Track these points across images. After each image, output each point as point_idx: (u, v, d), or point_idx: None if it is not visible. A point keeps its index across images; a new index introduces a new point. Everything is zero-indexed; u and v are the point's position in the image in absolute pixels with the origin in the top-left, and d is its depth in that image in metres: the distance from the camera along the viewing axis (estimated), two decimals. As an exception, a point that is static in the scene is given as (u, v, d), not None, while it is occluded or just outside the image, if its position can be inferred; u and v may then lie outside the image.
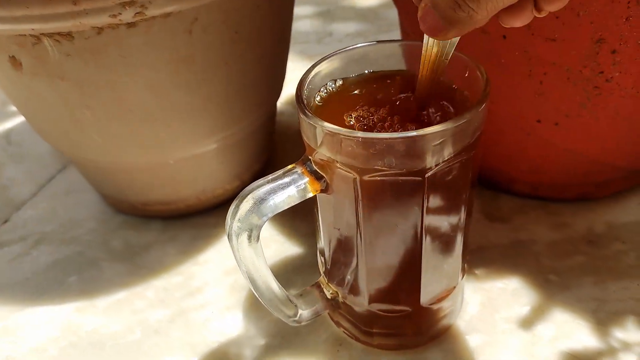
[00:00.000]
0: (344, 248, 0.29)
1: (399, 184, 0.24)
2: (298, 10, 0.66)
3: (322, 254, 0.31)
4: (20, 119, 0.56)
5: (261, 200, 0.24)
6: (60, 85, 0.31)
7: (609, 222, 0.38)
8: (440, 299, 0.30)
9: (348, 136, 0.23)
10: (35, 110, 0.35)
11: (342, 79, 0.29)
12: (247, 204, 0.24)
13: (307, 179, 0.25)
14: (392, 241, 0.27)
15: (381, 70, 0.30)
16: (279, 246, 0.39)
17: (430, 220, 0.26)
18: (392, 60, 0.30)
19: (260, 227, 0.25)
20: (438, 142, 0.23)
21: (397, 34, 0.67)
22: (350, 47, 0.29)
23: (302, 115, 0.25)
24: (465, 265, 0.32)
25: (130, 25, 0.29)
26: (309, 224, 0.41)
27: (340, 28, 0.69)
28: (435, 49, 0.24)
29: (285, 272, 0.38)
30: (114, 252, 0.40)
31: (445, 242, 0.28)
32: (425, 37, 0.24)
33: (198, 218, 0.42)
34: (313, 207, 0.29)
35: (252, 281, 0.26)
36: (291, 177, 0.25)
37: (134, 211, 0.42)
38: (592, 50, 0.30)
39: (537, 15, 0.22)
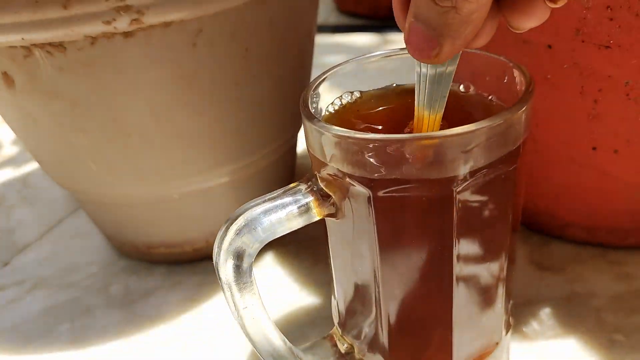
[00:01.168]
0: (359, 291, 0.24)
1: (422, 202, 0.19)
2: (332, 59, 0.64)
3: (336, 299, 0.26)
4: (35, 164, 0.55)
5: (254, 221, 0.20)
6: (53, 105, 0.29)
7: (684, 273, 0.32)
8: (478, 359, 0.25)
9: (359, 139, 0.19)
10: (30, 135, 0.32)
11: (360, 91, 0.25)
12: (237, 225, 0.20)
13: (311, 198, 0.21)
14: (415, 281, 0.22)
15: (406, 83, 0.26)
16: (294, 295, 0.35)
17: (463, 254, 0.21)
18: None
19: (253, 255, 0.21)
20: (469, 147, 0.18)
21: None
22: (368, 55, 0.25)
23: (306, 122, 0.21)
24: (510, 319, 0.26)
25: (126, 34, 0.26)
26: (328, 272, 0.36)
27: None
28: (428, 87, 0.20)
29: (299, 326, 0.32)
30: (111, 299, 0.36)
31: (482, 286, 0.23)
32: (416, 75, 0.20)
33: (206, 263, 0.38)
34: (327, 249, 0.25)
35: (242, 325, 0.22)
36: (293, 197, 0.21)
37: (138, 255, 0.38)
38: (656, 58, 0.25)
39: (553, 6, 0.18)
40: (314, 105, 0.23)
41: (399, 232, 0.21)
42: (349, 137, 0.19)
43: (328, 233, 0.24)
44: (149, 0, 0.25)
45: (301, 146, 0.45)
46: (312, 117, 0.21)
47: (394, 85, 0.26)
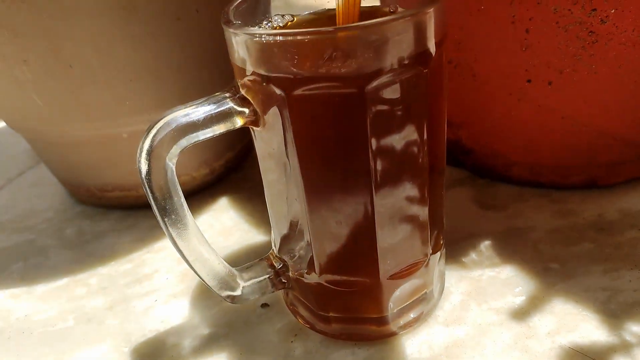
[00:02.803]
0: (286, 206, 0.24)
1: (335, 101, 0.20)
2: None
3: (271, 221, 0.27)
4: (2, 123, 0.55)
5: (176, 123, 0.21)
6: (-5, 35, 0.29)
7: (623, 209, 0.33)
8: (405, 274, 0.25)
9: (270, 35, 0.19)
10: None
11: (292, 14, 0.26)
12: (158, 126, 0.21)
13: (232, 104, 0.22)
14: (338, 192, 0.23)
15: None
16: (242, 234, 0.35)
17: (380, 162, 0.22)
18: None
19: (174, 155, 0.21)
20: (376, 41, 0.19)
21: None
22: (299, -22, 0.26)
23: (225, 28, 0.21)
24: (441, 240, 0.27)
25: (62, -41, 0.26)
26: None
27: None
28: None
29: (246, 261, 0.33)
30: (65, 241, 0.37)
31: (403, 195, 0.23)
32: None
33: (160, 207, 0.38)
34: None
35: (170, 237, 0.22)
36: (215, 103, 0.22)
37: (93, 199, 0.39)
38: (580, -19, 0.26)
39: None
40: (236, 19, 0.23)
41: (316, 137, 0.21)
42: (260, 34, 0.20)
43: (255, 148, 0.24)
44: None
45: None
46: (229, 22, 0.21)
47: (326, 9, 0.26)
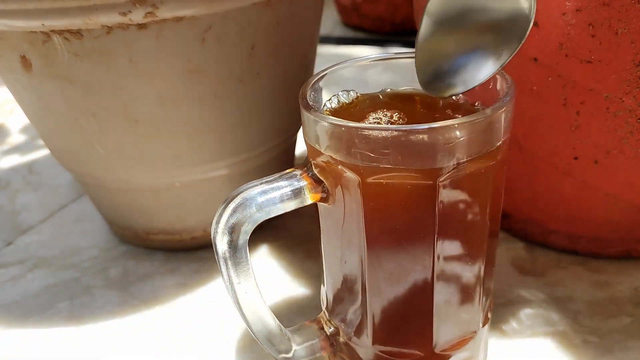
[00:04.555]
0: (346, 276, 0.25)
1: (407, 189, 0.21)
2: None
3: (325, 285, 0.28)
4: (45, 151, 0.56)
5: (252, 199, 0.22)
6: (67, 89, 0.30)
7: (659, 283, 0.34)
8: (456, 346, 0.26)
9: (351, 128, 0.21)
10: (43, 117, 0.34)
11: (356, 92, 0.27)
12: (234, 203, 0.22)
13: (305, 183, 0.23)
14: (399, 270, 0.24)
15: (399, 88, 0.28)
16: (285, 286, 0.36)
17: (444, 245, 0.23)
18: (413, 75, 0.28)
19: (248, 232, 0.22)
20: (452, 139, 0.20)
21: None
22: (368, 57, 0.27)
23: (303, 111, 0.23)
24: (489, 313, 0.28)
25: (140, 26, 0.28)
26: (319, 265, 0.37)
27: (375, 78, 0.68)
28: None
29: (289, 314, 0.34)
30: (110, 281, 0.38)
31: (462, 275, 0.24)
32: None
33: (203, 252, 0.40)
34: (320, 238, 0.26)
35: (236, 301, 0.23)
36: (288, 181, 0.23)
37: (137, 240, 0.40)
38: (633, 73, 0.27)
39: None
40: (311, 99, 0.24)
41: (385, 218, 0.22)
42: (341, 125, 0.21)
43: (320, 219, 0.25)
44: (163, -5, 0.27)
45: (300, 147, 0.46)
46: (309, 107, 0.22)
47: (388, 90, 0.28)
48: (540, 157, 0.32)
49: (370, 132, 0.20)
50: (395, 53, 0.27)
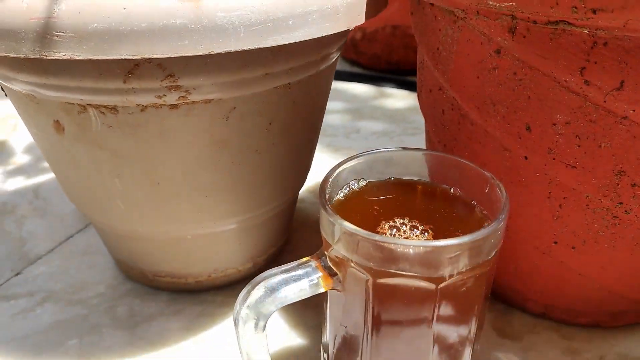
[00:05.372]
0: (348, 346, 0.28)
1: (412, 291, 0.24)
2: (329, 105, 0.69)
3: (326, 349, 0.31)
4: (50, 175, 0.58)
5: (273, 290, 0.25)
6: (97, 153, 0.33)
7: (622, 354, 0.37)
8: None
9: (365, 238, 0.24)
10: (68, 173, 0.36)
11: (365, 180, 0.30)
12: (258, 291, 0.25)
13: (320, 274, 0.26)
14: (399, 347, 0.27)
15: (403, 177, 0.31)
16: (284, 336, 0.39)
17: (440, 329, 0.26)
18: (415, 167, 0.31)
19: (268, 317, 0.25)
20: (454, 254, 0.23)
21: (422, 138, 0.69)
22: (376, 150, 0.30)
23: (322, 211, 0.25)
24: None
25: (172, 106, 0.30)
26: (317, 316, 0.40)
27: (368, 126, 0.71)
28: None
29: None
30: (117, 320, 0.40)
31: (453, 354, 0.27)
32: None
33: (206, 295, 0.42)
34: (322, 300, 0.29)
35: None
36: (305, 270, 0.26)
37: (143, 280, 0.42)
38: (612, 180, 0.30)
39: None
40: (328, 193, 0.27)
41: (390, 310, 0.25)
42: (357, 234, 0.24)
43: (328, 296, 0.28)
44: (196, 82, 0.30)
45: (300, 203, 0.49)
46: (327, 209, 0.25)
47: (392, 178, 0.31)
48: (524, 237, 0.36)
49: (383, 242, 0.23)
50: (402, 148, 0.30)
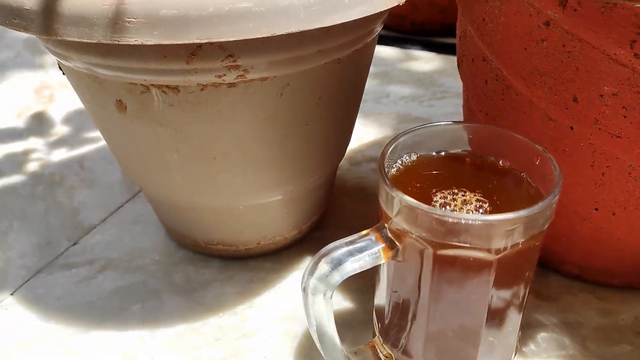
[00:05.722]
0: (403, 311, 0.30)
1: (470, 261, 0.26)
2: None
3: (379, 314, 0.33)
4: (92, 146, 0.60)
5: (339, 263, 0.26)
6: (157, 130, 0.34)
7: (656, 313, 0.39)
8: (491, 372, 0.31)
9: (427, 212, 0.25)
10: (126, 147, 0.38)
11: (417, 154, 0.31)
12: (325, 265, 0.26)
13: (381, 246, 0.27)
14: (454, 314, 0.29)
15: (453, 150, 0.32)
16: (339, 308, 0.41)
17: (495, 295, 0.28)
18: (464, 140, 0.32)
19: (334, 287, 0.27)
20: (510, 227, 0.25)
21: (450, 102, 0.70)
22: (428, 125, 0.31)
23: (383, 184, 0.27)
24: (518, 344, 0.33)
25: (230, 85, 0.32)
26: (361, 280, 0.42)
27: (396, 90, 0.72)
28: None
29: (345, 335, 0.39)
30: (175, 286, 0.42)
31: (505, 319, 0.29)
32: None
33: (255, 261, 0.44)
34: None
35: (321, 335, 0.28)
36: (366, 242, 0.27)
37: (196, 248, 0.45)
38: (656, 150, 0.31)
39: None
40: (386, 167, 0.29)
41: (449, 278, 0.27)
42: (418, 209, 0.25)
43: (385, 265, 0.30)
44: (254, 61, 0.31)
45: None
46: (387, 183, 0.27)
47: (443, 152, 0.32)
48: (564, 204, 0.37)
49: (444, 216, 0.25)
50: (452, 122, 0.32)
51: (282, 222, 0.43)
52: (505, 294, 0.28)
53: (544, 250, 0.42)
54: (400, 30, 0.86)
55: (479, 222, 0.24)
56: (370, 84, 0.74)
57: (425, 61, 0.80)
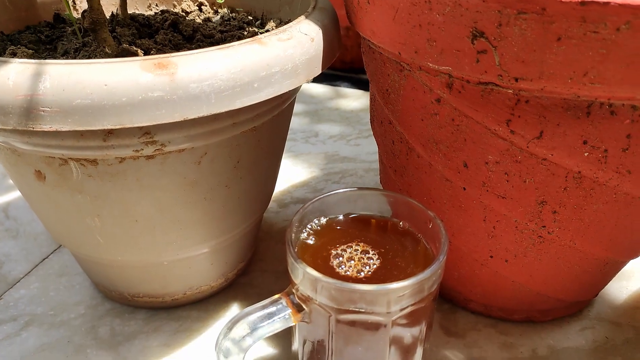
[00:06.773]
0: (316, 353, 0.33)
1: (369, 324, 0.29)
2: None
3: (296, 357, 0.35)
4: (17, 193, 0.60)
5: (253, 328, 0.29)
6: (77, 197, 0.35)
7: (551, 345, 0.43)
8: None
9: (327, 283, 0.28)
10: (48, 212, 0.38)
11: (326, 217, 0.34)
12: (239, 330, 0.29)
13: (290, 310, 0.30)
14: (359, 354, 0.31)
15: (359, 213, 0.35)
16: (254, 345, 0.43)
17: (394, 339, 0.30)
18: (372, 203, 0.35)
19: (247, 351, 0.29)
20: (402, 294, 0.28)
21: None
22: (335, 192, 0.34)
23: (288, 255, 0.29)
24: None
25: (149, 157, 0.33)
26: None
27: (325, 129, 0.75)
28: None
29: (259, 372, 0.41)
30: (100, 340, 0.43)
31: (407, 355, 0.32)
32: None
33: (182, 311, 0.46)
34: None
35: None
36: (277, 307, 0.30)
37: (122, 300, 0.46)
38: (536, 208, 0.35)
39: None
40: (293, 234, 0.31)
41: (349, 338, 0.30)
42: (320, 279, 0.28)
43: (296, 330, 0.32)
44: (171, 137, 0.33)
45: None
46: (293, 256, 0.29)
47: (351, 215, 0.35)
48: (464, 252, 0.41)
49: (342, 287, 0.27)
50: (358, 188, 0.35)
51: (208, 273, 0.45)
52: (406, 335, 0.31)
53: (451, 289, 0.46)
54: (330, 68, 0.90)
55: (374, 290, 0.27)
56: (300, 122, 0.77)
57: (353, 99, 0.84)
